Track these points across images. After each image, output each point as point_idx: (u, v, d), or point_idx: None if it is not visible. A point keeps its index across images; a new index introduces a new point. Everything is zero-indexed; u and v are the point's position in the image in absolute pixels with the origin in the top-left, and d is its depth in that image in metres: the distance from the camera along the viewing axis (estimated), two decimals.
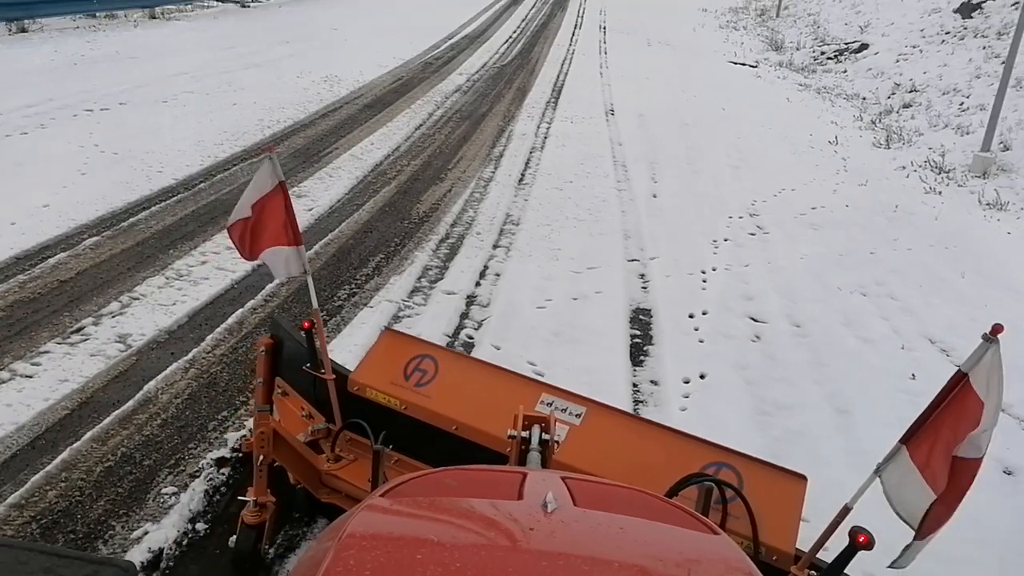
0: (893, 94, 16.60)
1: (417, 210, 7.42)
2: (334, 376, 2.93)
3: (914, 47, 18.81)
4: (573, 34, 21.58)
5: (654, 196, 8.66)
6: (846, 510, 2.25)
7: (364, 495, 1.88)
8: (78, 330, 4.77)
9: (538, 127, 11.38)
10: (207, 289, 5.37)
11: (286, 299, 5.35)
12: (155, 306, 5.09)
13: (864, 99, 16.80)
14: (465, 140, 10.26)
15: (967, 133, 12.87)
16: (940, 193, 10.01)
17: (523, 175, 8.94)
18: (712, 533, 1.38)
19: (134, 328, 4.81)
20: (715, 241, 7.33)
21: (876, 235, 8.05)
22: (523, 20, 23.28)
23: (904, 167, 11.25)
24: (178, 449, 3.75)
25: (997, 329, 1.96)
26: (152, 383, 4.24)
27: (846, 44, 21.12)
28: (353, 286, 5.65)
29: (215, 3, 19.98)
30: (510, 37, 20.05)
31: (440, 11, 22.46)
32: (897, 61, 18.57)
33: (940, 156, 11.82)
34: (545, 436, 2.03)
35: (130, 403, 4.07)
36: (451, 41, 18.38)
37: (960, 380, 1.99)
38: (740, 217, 8.18)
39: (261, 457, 2.59)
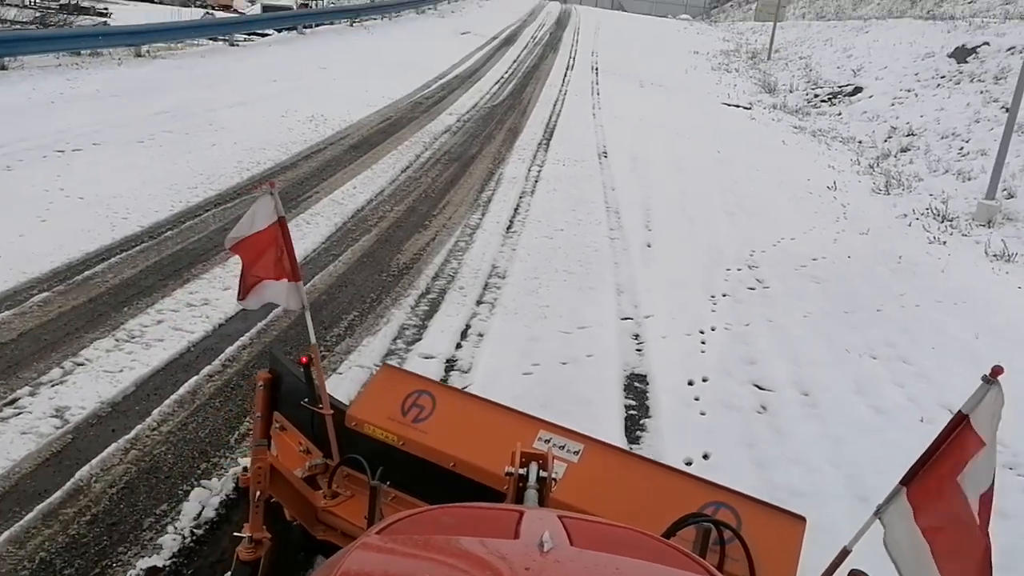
0: (890, 137, 16.39)
1: (397, 261, 6.99)
2: (332, 411, 2.89)
3: (909, 91, 18.68)
4: (565, 75, 21.42)
5: (648, 246, 8.26)
6: (845, 552, 2.20)
7: (360, 532, 1.80)
8: (12, 402, 4.28)
9: (528, 170, 11.02)
10: (160, 353, 4.89)
11: (248, 363, 4.89)
12: (100, 373, 4.61)
13: (860, 142, 16.58)
14: (452, 184, 9.88)
15: (969, 179, 12.59)
16: (944, 243, 9.66)
17: (511, 222, 8.54)
18: (709, 575, 1.39)
19: (74, 400, 4.32)
20: (713, 296, 6.91)
21: (882, 289, 7.66)
22: (515, 61, 23.15)
23: (906, 215, 10.91)
24: (106, 554, 3.25)
25: (997, 371, 1.93)
26: (86, 468, 3.74)
27: (839, 87, 21.02)
28: (322, 349, 5.18)
29: (205, 41, 19.73)
30: (502, 77, 19.85)
31: (432, 51, 22.31)
32: (892, 104, 18.41)
33: (942, 203, 11.51)
34: (543, 473, 1.99)
35: (58, 493, 3.57)
36: (442, 81, 18.15)
37: (961, 421, 1.95)
38: (739, 269, 7.77)
39: (258, 492, 2.49)
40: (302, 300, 2.83)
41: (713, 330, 6.11)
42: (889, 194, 12.29)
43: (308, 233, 7.35)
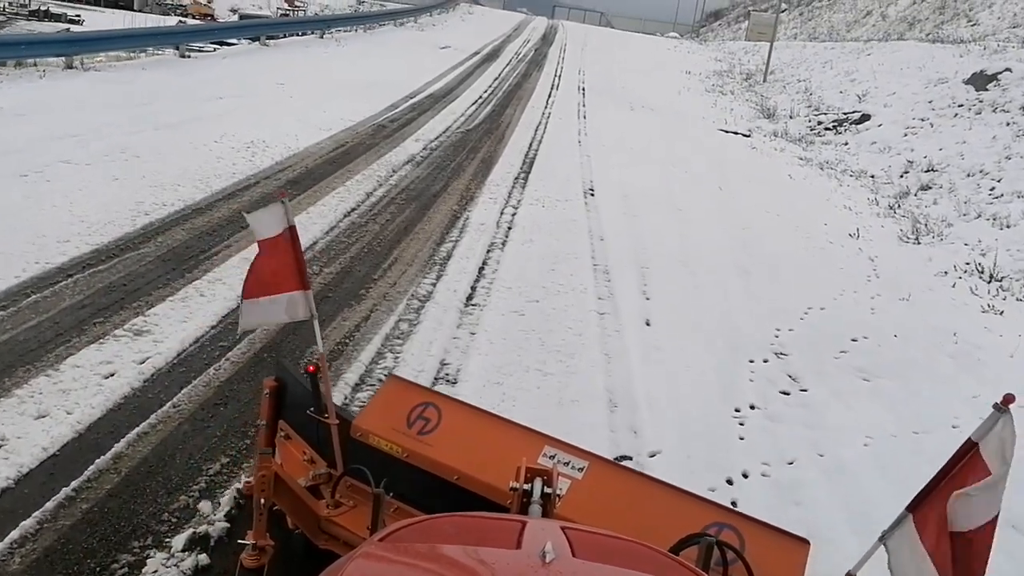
0: (907, 172, 14.78)
1: (310, 359, 5.17)
2: (337, 421, 2.78)
3: (923, 120, 17.13)
4: (549, 95, 19.73)
5: (647, 324, 6.49)
6: None
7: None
8: None
9: (501, 213, 9.24)
10: None
11: (27, 571, 3.03)
12: None
13: (874, 177, 14.96)
14: (406, 232, 8.08)
15: (1007, 226, 10.94)
16: (1001, 313, 7.95)
17: (473, 290, 6.74)
18: None
19: None
20: (738, 410, 5.13)
21: (948, 388, 5.91)
22: (496, 79, 21.44)
23: (946, 272, 9.22)
24: None
25: (1008, 399, 1.89)
26: None
27: (845, 114, 19.45)
28: (146, 541, 3.32)
29: (156, 51, 17.84)
30: (480, 97, 18.12)
31: (406, 67, 20.55)
32: (905, 135, 16.84)
33: (982, 255, 9.88)
34: (547, 489, 2.00)
35: None
36: (412, 100, 16.38)
37: (970, 449, 1.93)
38: (764, 360, 6.01)
39: (262, 500, 2.40)
40: (311, 309, 2.76)
41: (746, 477, 4.31)
42: (919, 243, 10.62)
43: (195, 313, 5.49)
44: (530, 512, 1.92)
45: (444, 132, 13.68)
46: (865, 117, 18.69)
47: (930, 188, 13.61)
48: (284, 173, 9.62)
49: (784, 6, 47.60)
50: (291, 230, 2.70)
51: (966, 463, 1.94)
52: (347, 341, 5.46)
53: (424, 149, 12.13)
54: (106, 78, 14.38)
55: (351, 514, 2.71)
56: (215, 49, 19.84)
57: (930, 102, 17.82)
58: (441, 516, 1.54)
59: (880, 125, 17.95)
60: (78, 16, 33.06)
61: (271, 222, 2.71)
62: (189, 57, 17.98)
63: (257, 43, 21.11)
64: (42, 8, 34.67)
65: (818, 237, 10.28)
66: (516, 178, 11.08)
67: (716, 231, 9.84)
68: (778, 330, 6.73)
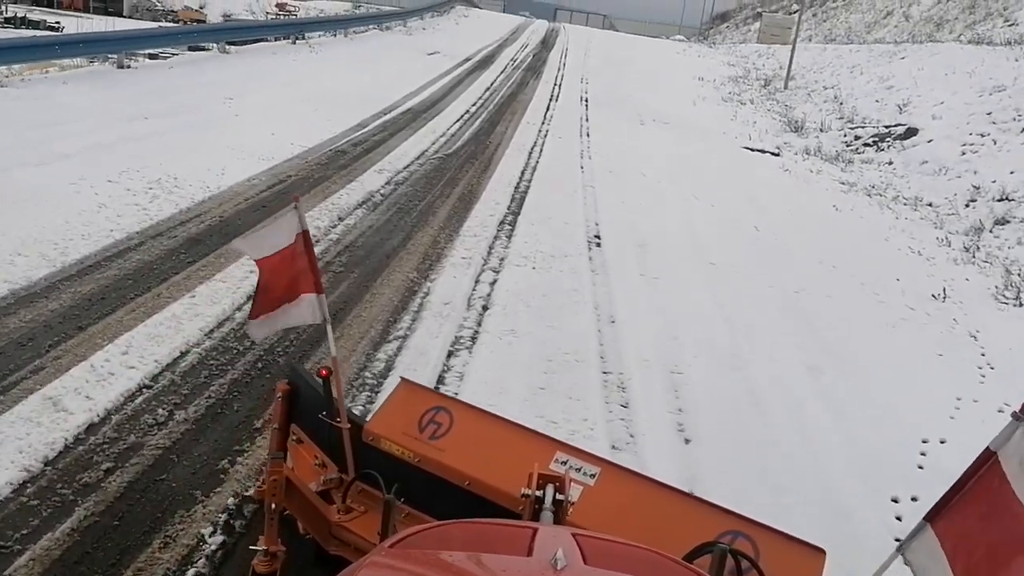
0: (973, 200, 12.30)
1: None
2: (349, 425, 2.80)
3: (983, 135, 14.64)
4: (548, 108, 17.28)
5: None
6: None
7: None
8: None
9: (476, 282, 6.79)
10: None
11: None
12: None
13: (932, 206, 12.51)
14: (334, 323, 5.63)
15: None
16: None
17: None
18: None
19: None
20: None
21: None
22: (487, 89, 19.00)
23: None
24: None
25: None
26: None
27: (886, 128, 16.96)
28: None
29: (94, 62, 15.42)
30: (467, 112, 15.69)
31: (386, 76, 18.14)
32: (963, 153, 14.35)
33: None
34: (559, 496, 1.98)
35: None
36: (386, 117, 13.95)
37: (988, 459, 1.93)
38: None
39: (273, 505, 2.41)
40: (324, 313, 2.78)
41: None
42: (1021, 304, 8.16)
43: None
44: (542, 518, 1.88)
45: (417, 159, 11.24)
46: (911, 131, 16.21)
47: (1008, 222, 11.13)
48: (186, 227, 7.18)
49: (795, 6, 45.21)
50: (304, 234, 2.69)
51: (984, 473, 1.92)
52: (194, 559, 3.02)
53: (387, 184, 9.68)
54: (9, 96, 11.94)
55: (362, 519, 2.68)
56: (167, 58, 17.51)
57: (989, 114, 15.33)
58: (451, 523, 1.53)
59: (930, 141, 15.48)
60: (57, 23, 31.02)
61: (283, 232, 2.67)
62: (130, 67, 15.57)
63: (216, 49, 18.70)
64: (18, 15, 32.59)
65: (893, 301, 7.83)
66: (501, 223, 8.63)
67: (764, 299, 7.38)
68: (896, 501, 4.28)
